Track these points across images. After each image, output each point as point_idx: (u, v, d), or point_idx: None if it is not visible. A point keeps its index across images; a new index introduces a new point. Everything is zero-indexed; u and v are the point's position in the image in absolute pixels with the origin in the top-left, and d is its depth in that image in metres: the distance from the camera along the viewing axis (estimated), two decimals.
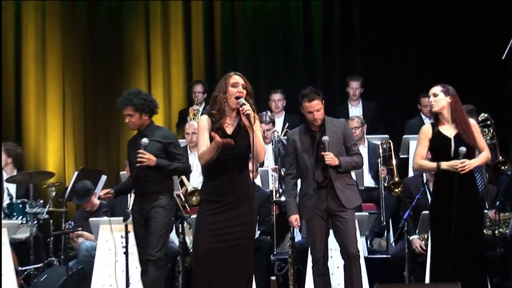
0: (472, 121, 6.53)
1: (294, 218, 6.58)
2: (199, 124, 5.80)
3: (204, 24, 11.25)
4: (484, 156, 6.50)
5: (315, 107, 6.46)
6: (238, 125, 5.71)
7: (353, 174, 6.80)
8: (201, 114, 9.46)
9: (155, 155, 6.59)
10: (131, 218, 6.77)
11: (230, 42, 11.27)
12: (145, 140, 6.57)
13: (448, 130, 6.48)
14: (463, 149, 6.33)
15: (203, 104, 10.19)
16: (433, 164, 6.46)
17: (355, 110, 10.09)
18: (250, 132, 5.61)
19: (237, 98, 5.67)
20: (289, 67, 11.26)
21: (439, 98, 6.46)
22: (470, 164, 6.34)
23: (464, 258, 6.33)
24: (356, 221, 6.66)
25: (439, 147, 6.47)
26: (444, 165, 6.37)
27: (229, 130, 5.70)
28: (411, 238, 7.62)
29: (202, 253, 5.71)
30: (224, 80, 5.76)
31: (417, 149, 6.57)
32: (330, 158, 6.39)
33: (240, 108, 5.63)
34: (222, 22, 11.25)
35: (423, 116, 9.83)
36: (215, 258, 5.66)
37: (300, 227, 6.71)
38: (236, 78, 5.73)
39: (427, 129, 6.56)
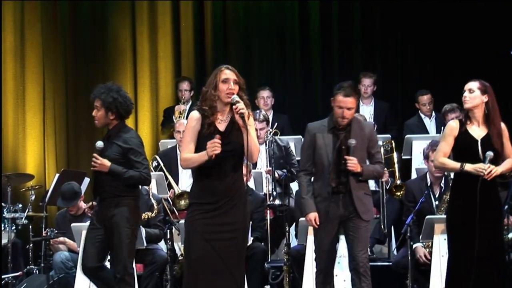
0: (503, 126, 6.33)
1: (313, 216, 6.26)
2: (189, 120, 5.61)
3: (193, 17, 11.18)
4: (508, 163, 6.30)
5: (348, 104, 6.17)
6: (231, 121, 5.54)
7: None
8: (189, 111, 9.37)
9: (114, 159, 6.34)
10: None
11: (221, 35, 11.23)
12: (99, 144, 6.37)
13: (476, 131, 6.29)
14: (490, 153, 6.16)
15: (190, 103, 10.16)
16: (457, 165, 6.24)
17: (366, 108, 10.03)
18: (244, 132, 5.44)
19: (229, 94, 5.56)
20: (284, 62, 11.25)
21: (474, 95, 6.25)
22: (497, 170, 6.17)
23: (486, 267, 6.18)
24: None
25: (464, 148, 6.29)
26: (469, 167, 6.18)
27: (222, 126, 5.51)
28: (414, 246, 7.48)
29: (193, 260, 5.53)
30: (214, 74, 5.57)
31: (441, 145, 6.37)
32: (354, 164, 6.13)
33: (234, 107, 5.47)
34: (212, 15, 11.20)
35: (422, 115, 9.83)
36: (206, 265, 5.50)
37: (318, 225, 6.36)
38: (227, 73, 5.53)
39: (454, 126, 6.34)
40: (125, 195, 6.38)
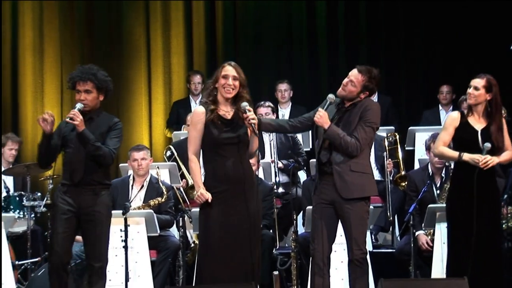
0: (503, 120, 6.44)
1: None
2: (193, 116, 5.84)
3: (205, 14, 11.29)
4: (506, 154, 6.39)
5: (351, 77, 5.97)
6: (235, 112, 5.74)
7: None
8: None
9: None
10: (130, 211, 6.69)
11: (232, 32, 11.31)
12: (80, 106, 6.07)
13: (477, 123, 6.39)
14: (488, 145, 6.25)
15: (201, 96, 10.12)
16: (455, 154, 6.36)
17: None
18: (255, 140, 5.73)
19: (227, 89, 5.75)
20: (292, 57, 11.30)
21: (479, 93, 6.35)
22: (493, 160, 6.25)
23: (483, 254, 6.27)
24: None
25: (463, 138, 6.39)
26: (467, 156, 6.28)
27: (229, 116, 5.73)
28: (417, 233, 7.58)
29: (208, 246, 5.69)
30: (218, 70, 5.81)
31: (441, 134, 6.47)
32: (320, 115, 5.86)
33: (244, 115, 5.63)
34: (223, 12, 11.28)
35: (440, 107, 10.01)
36: (221, 251, 5.64)
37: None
38: (227, 70, 5.74)
39: (455, 117, 6.47)
40: (104, 184, 6.21)
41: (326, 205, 6.01)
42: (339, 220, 6.06)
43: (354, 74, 6.00)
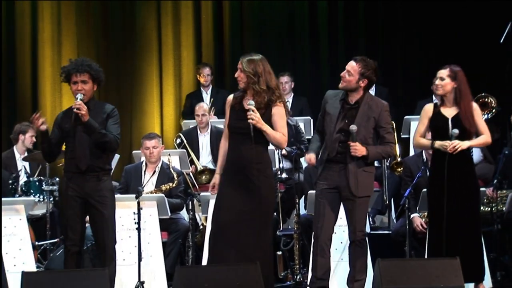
0: (474, 105, 6.59)
1: (310, 156, 6.35)
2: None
3: (213, 10, 11.37)
4: (481, 138, 6.57)
5: (348, 67, 6.23)
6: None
7: None
8: (211, 97, 9.87)
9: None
10: (141, 195, 6.88)
11: (238, 27, 11.40)
12: (81, 96, 6.15)
13: (448, 111, 6.58)
14: (455, 131, 6.43)
15: (211, 87, 10.45)
16: (428, 142, 6.60)
17: None
18: (268, 135, 5.85)
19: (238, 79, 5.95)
20: (294, 51, 11.38)
21: (445, 83, 6.54)
22: (461, 145, 6.44)
23: (460, 235, 6.47)
24: None
25: (437, 127, 6.60)
26: (437, 144, 6.52)
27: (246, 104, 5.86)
28: (412, 216, 7.67)
29: (215, 226, 5.89)
30: None
31: (418, 126, 6.70)
32: (356, 149, 6.08)
33: (248, 113, 5.78)
34: (230, 10, 11.39)
35: (434, 98, 9.83)
36: (227, 231, 5.81)
37: (314, 164, 6.39)
38: (239, 63, 5.95)
39: (428, 108, 6.67)
40: (105, 170, 6.27)
41: (330, 189, 6.23)
42: (341, 205, 6.32)
43: (349, 64, 6.27)
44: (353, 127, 6.10)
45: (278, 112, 5.86)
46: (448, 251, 6.35)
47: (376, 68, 6.31)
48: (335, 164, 6.23)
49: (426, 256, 6.89)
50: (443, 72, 6.58)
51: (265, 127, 5.78)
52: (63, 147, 6.40)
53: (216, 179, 6.00)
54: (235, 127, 5.90)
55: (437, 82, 6.59)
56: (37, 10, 11.08)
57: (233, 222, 5.79)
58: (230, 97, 6.03)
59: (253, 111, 5.73)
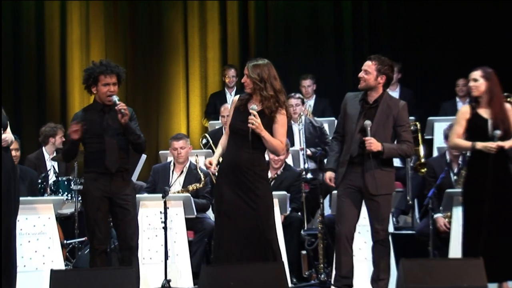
0: (508, 106, 6.56)
1: (328, 176, 6.37)
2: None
3: (238, 12, 11.43)
4: None
5: (365, 66, 6.28)
6: (261, 110, 5.90)
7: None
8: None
9: (117, 129, 6.25)
10: (168, 195, 6.97)
11: (264, 27, 11.45)
12: (116, 98, 6.24)
13: (486, 112, 6.54)
14: (498, 132, 6.42)
15: (235, 88, 10.49)
16: (468, 144, 6.54)
17: (392, 94, 9.91)
18: (266, 141, 5.86)
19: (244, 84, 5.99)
20: (319, 52, 11.42)
21: (479, 83, 6.51)
22: (504, 145, 6.43)
23: (500, 234, 6.45)
24: None
25: (475, 128, 6.55)
26: (480, 145, 6.47)
27: (258, 108, 5.89)
28: (435, 216, 7.69)
29: (217, 217, 5.99)
30: None
31: (454, 128, 6.65)
32: (370, 143, 6.10)
33: (249, 117, 5.82)
34: (255, 11, 11.44)
35: (457, 99, 10.04)
36: (226, 235, 5.86)
37: (334, 184, 6.39)
38: (245, 68, 5.98)
39: (465, 110, 6.64)
40: (127, 169, 6.38)
41: (353, 190, 6.25)
42: (364, 205, 6.33)
43: (365, 64, 6.31)
44: (368, 122, 6.13)
45: (281, 120, 5.90)
46: (486, 250, 6.30)
47: (391, 64, 6.34)
48: (356, 166, 6.26)
49: (451, 256, 6.91)
50: (476, 74, 6.57)
51: (264, 133, 5.82)
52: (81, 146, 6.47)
53: (212, 159, 6.01)
54: (236, 128, 5.93)
55: (471, 83, 6.58)
56: (66, 12, 11.18)
57: (235, 217, 5.84)
58: (237, 97, 6.09)
59: (254, 116, 5.78)
